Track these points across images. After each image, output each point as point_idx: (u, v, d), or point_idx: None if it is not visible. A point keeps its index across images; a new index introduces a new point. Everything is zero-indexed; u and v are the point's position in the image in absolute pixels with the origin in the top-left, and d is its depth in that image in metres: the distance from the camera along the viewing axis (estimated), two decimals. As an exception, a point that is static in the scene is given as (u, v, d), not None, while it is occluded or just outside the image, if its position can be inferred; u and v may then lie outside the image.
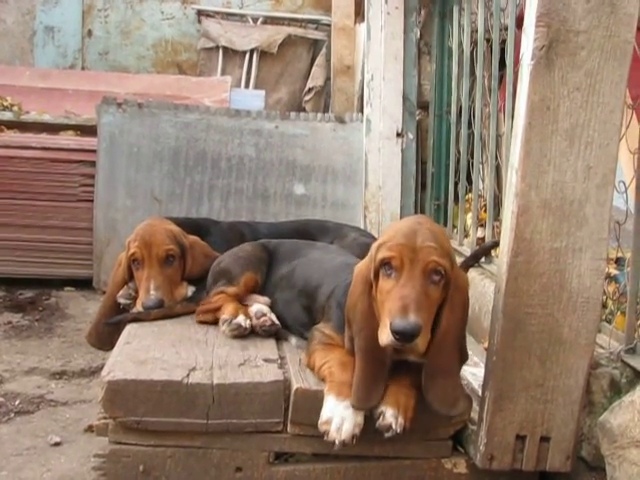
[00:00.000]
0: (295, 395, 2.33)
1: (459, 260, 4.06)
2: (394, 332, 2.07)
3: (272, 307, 2.89)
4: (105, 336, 3.20)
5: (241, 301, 2.92)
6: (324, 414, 2.23)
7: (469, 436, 2.41)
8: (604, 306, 2.68)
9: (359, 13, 6.12)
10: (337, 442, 2.18)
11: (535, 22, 2.10)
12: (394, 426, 2.20)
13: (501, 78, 3.90)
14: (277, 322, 2.81)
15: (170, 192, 5.25)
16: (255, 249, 3.07)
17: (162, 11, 7.51)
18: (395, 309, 2.10)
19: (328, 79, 7.09)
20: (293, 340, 2.77)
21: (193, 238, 3.30)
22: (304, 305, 2.75)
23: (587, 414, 2.40)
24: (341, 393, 2.24)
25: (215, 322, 2.88)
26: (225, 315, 2.79)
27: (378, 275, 2.23)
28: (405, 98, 4.87)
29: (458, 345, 2.28)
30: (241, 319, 2.77)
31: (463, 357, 2.35)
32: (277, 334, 2.81)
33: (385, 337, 2.11)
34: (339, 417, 2.21)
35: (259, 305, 2.86)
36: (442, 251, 2.19)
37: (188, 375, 2.37)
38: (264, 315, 2.80)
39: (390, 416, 2.21)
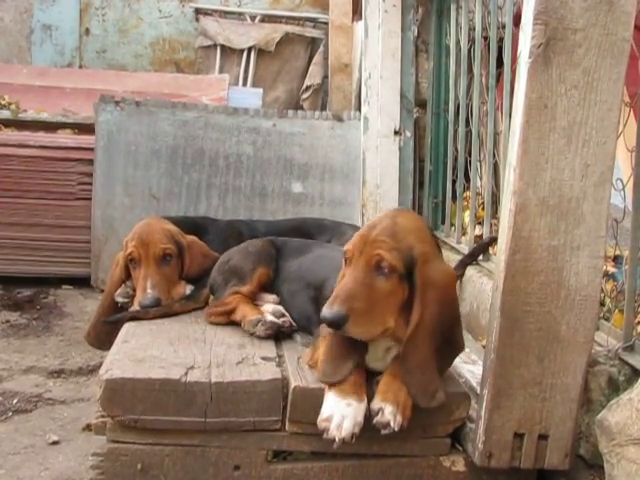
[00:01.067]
0: (293, 393, 2.33)
1: (457, 257, 4.07)
2: (323, 319, 2.18)
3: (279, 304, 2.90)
4: (104, 336, 3.20)
5: (254, 299, 2.91)
6: (324, 411, 2.23)
7: (467, 434, 2.41)
8: (602, 304, 2.68)
9: (356, 11, 6.12)
10: (337, 440, 2.18)
11: (532, 20, 2.10)
12: (392, 424, 2.21)
13: (499, 76, 3.89)
14: (295, 324, 2.81)
15: (168, 190, 5.24)
16: (264, 244, 3.06)
17: (160, 9, 7.50)
18: (329, 300, 2.19)
19: (326, 77, 7.09)
20: (298, 337, 2.77)
21: (191, 238, 3.30)
22: (311, 296, 2.75)
23: (585, 412, 2.40)
24: (342, 391, 2.24)
25: (228, 324, 2.87)
26: (251, 317, 2.77)
27: None
28: (402, 96, 4.86)
29: (435, 340, 2.24)
30: (271, 317, 2.76)
31: (456, 348, 2.35)
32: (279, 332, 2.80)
33: None
34: (339, 415, 2.21)
35: (273, 305, 2.85)
36: (395, 245, 2.21)
37: (186, 373, 2.37)
38: (284, 315, 2.80)
39: (389, 414, 2.21)
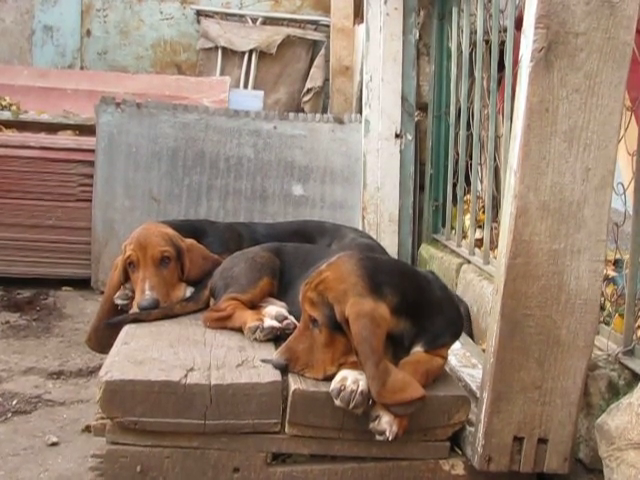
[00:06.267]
0: (293, 396, 2.32)
1: (457, 261, 4.08)
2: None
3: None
4: (105, 339, 3.19)
5: (255, 306, 2.90)
6: (338, 376, 2.29)
7: (467, 437, 2.41)
8: (602, 308, 2.68)
9: (358, 14, 6.13)
10: (356, 392, 2.22)
11: (534, 24, 2.10)
12: (387, 433, 2.25)
13: (500, 80, 3.90)
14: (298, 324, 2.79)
15: (168, 192, 5.25)
16: (271, 255, 3.05)
17: (161, 11, 7.51)
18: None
19: (327, 80, 7.09)
20: None
21: (190, 241, 3.30)
22: None
23: (585, 416, 2.40)
24: (354, 367, 2.30)
25: (225, 329, 2.87)
26: (251, 323, 2.75)
27: None
28: (404, 99, 4.87)
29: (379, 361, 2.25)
30: (270, 322, 2.75)
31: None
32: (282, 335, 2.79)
33: None
34: (354, 376, 2.26)
35: (277, 308, 2.84)
36: (316, 299, 2.37)
37: (186, 375, 2.37)
38: (286, 318, 2.79)
39: (385, 422, 2.25)
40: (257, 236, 3.59)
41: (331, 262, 2.44)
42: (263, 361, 2.51)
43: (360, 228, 4.69)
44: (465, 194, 4.29)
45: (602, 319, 2.69)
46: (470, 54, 4.18)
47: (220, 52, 7.27)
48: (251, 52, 7.26)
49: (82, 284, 5.27)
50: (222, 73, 7.16)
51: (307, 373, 2.40)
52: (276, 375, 2.41)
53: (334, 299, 2.32)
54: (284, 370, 2.41)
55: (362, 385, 2.23)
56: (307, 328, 2.42)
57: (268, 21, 7.43)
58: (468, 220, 4.14)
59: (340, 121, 5.36)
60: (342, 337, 2.33)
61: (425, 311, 2.43)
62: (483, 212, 3.99)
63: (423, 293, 2.47)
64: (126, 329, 2.87)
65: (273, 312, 2.80)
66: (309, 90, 7.23)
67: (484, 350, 2.55)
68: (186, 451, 2.36)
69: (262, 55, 7.28)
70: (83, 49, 7.44)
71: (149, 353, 2.56)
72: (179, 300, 3.13)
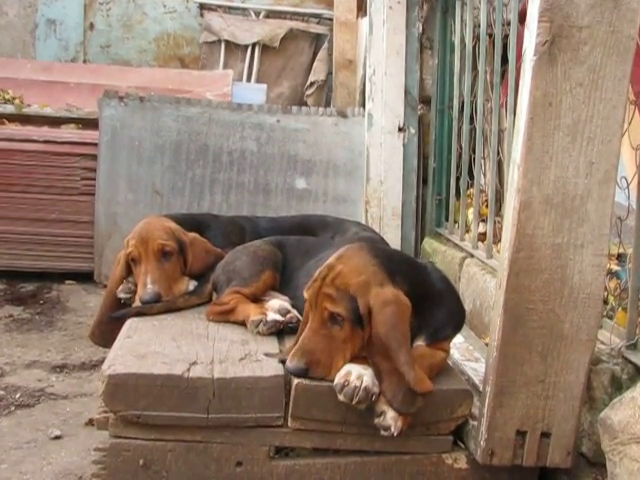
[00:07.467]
0: (296, 390, 2.32)
1: (460, 255, 4.07)
2: (286, 369, 2.40)
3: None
4: (108, 333, 3.19)
5: (257, 299, 2.90)
6: (342, 370, 2.27)
7: (470, 431, 2.41)
8: (605, 302, 2.68)
9: (361, 7, 6.11)
10: (360, 388, 2.21)
11: (538, 17, 2.09)
12: (392, 429, 2.25)
13: (503, 73, 3.89)
14: (302, 318, 2.79)
15: (171, 186, 5.25)
16: (273, 248, 3.04)
17: (164, 4, 7.50)
18: (292, 350, 2.39)
19: (330, 73, 7.07)
20: None
21: (193, 235, 3.30)
22: None
23: (588, 410, 2.40)
24: (358, 362, 2.29)
25: (228, 323, 2.86)
26: (254, 317, 2.75)
27: None
28: (407, 93, 4.87)
29: (392, 354, 2.24)
30: (273, 315, 2.75)
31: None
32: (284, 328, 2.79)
33: None
34: (358, 370, 2.25)
35: (280, 301, 2.84)
36: (337, 295, 2.30)
37: (189, 369, 2.37)
38: (289, 312, 2.79)
39: (390, 418, 2.25)
40: (260, 230, 3.59)
41: (340, 255, 2.39)
42: (266, 355, 2.51)
43: (363, 222, 4.69)
44: (468, 188, 4.29)
45: (605, 313, 2.68)
46: (473, 48, 4.17)
47: (223, 45, 7.25)
48: (254, 45, 7.25)
49: (85, 278, 5.27)
50: (225, 67, 7.15)
51: (323, 374, 2.32)
52: (279, 369, 2.41)
53: (356, 291, 2.28)
54: (304, 376, 2.32)
55: (366, 380, 2.23)
56: (323, 326, 2.33)
57: (271, 14, 7.42)
58: (471, 214, 4.14)
59: (343, 115, 5.35)
60: (361, 331, 2.29)
61: (427, 302, 2.42)
62: (486, 206, 3.99)
63: (425, 284, 2.47)
64: (129, 323, 2.87)
65: (276, 306, 2.81)
66: (312, 84, 7.22)
67: (487, 344, 2.55)
68: (189, 445, 2.36)
69: (265, 49, 7.27)
70: (86, 43, 7.43)
71: (152, 347, 2.56)
72: (182, 294, 3.13)
